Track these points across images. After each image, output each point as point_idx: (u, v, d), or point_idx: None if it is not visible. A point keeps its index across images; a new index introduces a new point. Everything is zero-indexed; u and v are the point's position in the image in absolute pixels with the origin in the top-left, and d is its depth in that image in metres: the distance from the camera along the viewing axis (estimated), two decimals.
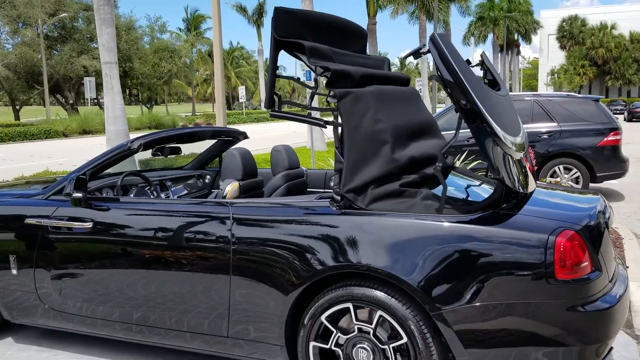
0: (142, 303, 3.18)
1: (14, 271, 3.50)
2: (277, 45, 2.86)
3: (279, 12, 2.85)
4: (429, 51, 2.83)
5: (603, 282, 2.63)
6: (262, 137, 26.41)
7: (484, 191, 3.25)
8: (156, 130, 3.77)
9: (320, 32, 3.06)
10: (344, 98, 2.84)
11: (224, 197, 3.40)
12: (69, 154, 18.92)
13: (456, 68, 2.62)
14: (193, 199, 3.20)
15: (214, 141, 4.68)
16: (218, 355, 3.21)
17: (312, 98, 2.97)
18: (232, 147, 4.13)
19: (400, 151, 2.94)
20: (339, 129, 2.87)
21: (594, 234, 2.71)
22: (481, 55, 3.35)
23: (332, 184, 4.32)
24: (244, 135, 4.73)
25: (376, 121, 2.87)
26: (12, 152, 20.15)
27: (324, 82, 2.93)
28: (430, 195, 2.83)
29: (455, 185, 3.22)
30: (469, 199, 3.19)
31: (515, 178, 2.81)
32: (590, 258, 2.58)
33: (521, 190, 2.83)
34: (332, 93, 2.84)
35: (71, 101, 40.53)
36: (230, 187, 3.39)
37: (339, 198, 2.82)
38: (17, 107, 40.54)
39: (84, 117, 29.77)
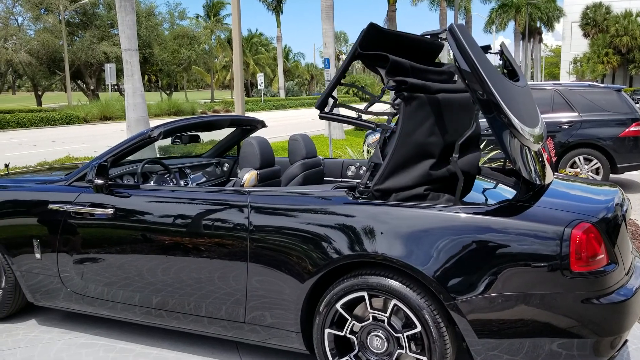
0: (162, 288, 3.25)
1: (38, 255, 3.59)
2: (356, 56, 2.93)
3: (371, 27, 2.93)
4: (446, 38, 2.83)
5: (619, 274, 2.63)
6: (281, 125, 26.47)
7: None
8: (176, 119, 3.81)
9: (402, 49, 3.11)
10: (410, 101, 2.87)
11: (242, 186, 3.44)
12: (90, 140, 19.17)
13: (474, 58, 2.61)
14: (211, 187, 3.25)
15: (232, 129, 4.72)
16: (234, 341, 3.27)
17: (371, 104, 3.02)
18: (250, 136, 4.16)
19: (439, 167, 3.01)
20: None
21: (610, 227, 2.70)
22: (500, 45, 3.34)
23: (349, 172, 4.34)
24: (262, 124, 4.76)
25: (430, 134, 2.93)
26: (34, 138, 20.47)
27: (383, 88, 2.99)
28: (451, 200, 2.87)
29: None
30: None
31: (532, 169, 2.81)
32: (606, 251, 2.58)
33: (538, 182, 2.83)
34: (401, 93, 2.87)
35: (92, 87, 40.92)
36: (248, 176, 3.44)
37: (362, 189, 2.86)
38: (39, 93, 41.04)
39: (104, 103, 30.07)
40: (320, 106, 2.99)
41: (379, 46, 2.95)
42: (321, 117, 2.98)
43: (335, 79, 2.99)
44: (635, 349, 3.42)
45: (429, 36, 2.84)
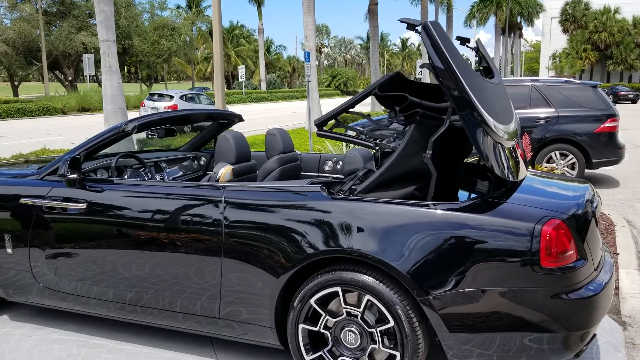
0: (136, 283, 3.23)
1: (9, 250, 3.54)
2: (372, 94, 3.05)
3: (396, 75, 3.13)
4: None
5: (588, 270, 2.67)
6: (261, 117, 26.40)
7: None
8: (151, 112, 3.77)
9: (419, 94, 3.18)
10: (421, 126, 2.94)
11: (217, 181, 3.42)
12: (68, 132, 18.90)
13: (447, 56, 2.63)
14: (186, 182, 3.23)
15: (209, 123, 4.69)
16: (209, 336, 3.26)
17: (373, 131, 3.09)
18: (226, 130, 4.15)
19: (424, 190, 3.04)
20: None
21: (580, 223, 2.74)
22: (476, 42, 3.36)
23: (326, 167, 4.34)
24: (239, 118, 4.74)
25: (430, 159, 2.90)
26: (10, 129, 20.12)
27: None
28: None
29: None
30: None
31: (505, 166, 2.84)
32: (575, 247, 2.62)
33: (510, 179, 2.86)
34: (415, 117, 2.95)
35: (70, 78, 40.27)
36: (223, 171, 3.42)
37: (346, 189, 2.90)
38: (16, 84, 40.31)
39: (82, 95, 29.64)
40: (320, 124, 3.07)
41: (398, 89, 3.09)
42: (319, 135, 3.04)
43: (345, 107, 3.07)
44: (604, 342, 3.48)
45: (406, 23, 2.84)
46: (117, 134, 3.47)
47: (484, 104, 2.66)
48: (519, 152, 3.29)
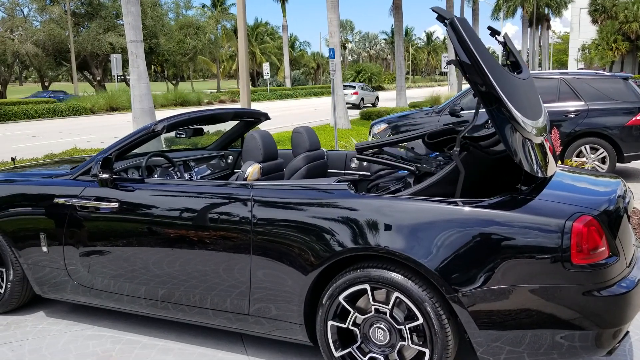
0: (167, 280, 3.29)
1: (44, 248, 3.63)
2: (421, 139, 3.29)
3: (450, 129, 3.35)
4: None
5: (620, 267, 2.63)
6: (286, 115, 26.45)
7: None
8: (180, 112, 3.83)
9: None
10: (470, 152, 3.16)
11: (245, 179, 3.46)
12: (97, 131, 19.24)
13: (474, 50, 2.61)
14: (215, 181, 3.27)
15: (236, 122, 4.74)
16: (239, 332, 3.30)
17: (412, 162, 3.30)
18: (253, 129, 4.19)
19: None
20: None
21: (612, 219, 2.71)
22: (504, 37, 3.33)
23: (352, 164, 4.35)
24: (266, 117, 4.77)
25: (457, 156, 3.09)
26: (41, 129, 20.57)
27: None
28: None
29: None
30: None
31: (534, 162, 2.81)
32: (607, 243, 2.58)
33: (540, 175, 2.83)
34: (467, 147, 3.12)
35: (98, 78, 40.98)
36: (251, 169, 3.45)
37: (389, 191, 2.99)
38: (46, 84, 41.16)
39: (111, 94, 30.12)
40: (361, 150, 3.28)
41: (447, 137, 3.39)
42: (359, 159, 3.12)
43: (389, 141, 3.30)
44: (638, 339, 3.43)
45: (436, 13, 2.83)
46: (147, 134, 3.53)
47: (511, 99, 2.64)
48: (548, 146, 3.25)
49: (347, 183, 2.96)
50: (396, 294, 2.73)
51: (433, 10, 2.81)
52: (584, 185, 3.24)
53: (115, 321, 3.85)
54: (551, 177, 3.13)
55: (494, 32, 3.38)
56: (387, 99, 36.97)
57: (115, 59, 27.96)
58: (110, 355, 3.37)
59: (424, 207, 2.73)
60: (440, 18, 2.74)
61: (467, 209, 2.66)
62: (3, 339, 3.61)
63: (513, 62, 3.32)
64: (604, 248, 2.56)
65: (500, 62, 2.97)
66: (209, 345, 3.47)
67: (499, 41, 3.36)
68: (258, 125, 4.88)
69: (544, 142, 3.17)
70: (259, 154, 3.66)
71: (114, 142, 3.60)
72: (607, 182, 3.22)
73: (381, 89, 62.60)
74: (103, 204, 3.42)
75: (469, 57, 2.63)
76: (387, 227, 2.74)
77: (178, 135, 3.93)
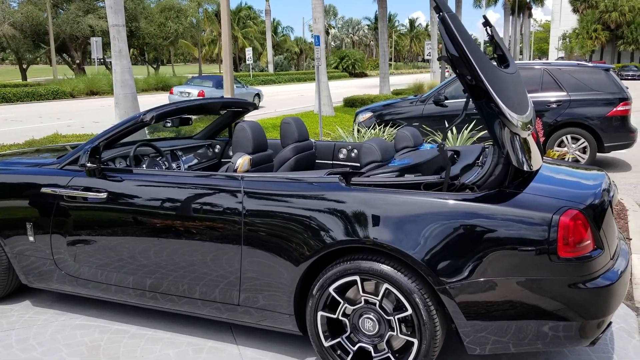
0: (155, 270, 3.29)
1: (31, 238, 3.60)
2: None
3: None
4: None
5: (605, 259, 2.70)
6: (270, 101, 26.34)
7: None
8: (168, 102, 3.81)
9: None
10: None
11: (235, 171, 3.46)
12: (77, 116, 18.97)
13: (463, 44, 2.63)
14: (205, 172, 3.27)
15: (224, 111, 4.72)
16: (227, 322, 3.33)
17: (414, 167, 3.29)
18: (243, 120, 4.18)
19: None
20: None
21: (597, 212, 2.77)
22: (491, 30, 3.35)
23: (341, 155, 4.36)
24: (254, 106, 4.76)
25: (443, 149, 3.04)
26: (20, 113, 20.21)
27: None
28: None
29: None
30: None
31: (522, 156, 2.85)
32: (592, 236, 2.65)
33: (526, 168, 2.88)
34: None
35: (78, 61, 40.26)
36: (241, 161, 3.45)
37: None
38: (24, 67, 40.35)
39: (91, 78, 29.66)
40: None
41: None
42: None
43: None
44: (618, 328, 3.52)
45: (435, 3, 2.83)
46: (135, 124, 3.51)
47: (500, 94, 2.67)
48: (534, 139, 3.30)
49: (338, 176, 2.98)
50: (385, 285, 2.77)
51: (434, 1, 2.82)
52: (570, 179, 3.30)
53: (103, 310, 3.84)
54: (538, 170, 3.18)
55: (486, 23, 3.39)
56: (370, 86, 36.97)
57: (96, 42, 27.56)
58: (98, 345, 3.37)
59: (410, 200, 2.76)
60: (437, 9, 2.75)
61: (454, 201, 2.70)
62: None
63: (500, 56, 3.35)
64: (589, 241, 2.62)
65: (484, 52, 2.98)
66: (198, 334, 3.49)
67: (488, 33, 3.38)
68: (244, 115, 4.86)
69: (531, 135, 3.21)
70: (249, 146, 3.66)
71: (101, 132, 3.57)
72: (592, 176, 3.28)
73: (364, 75, 62.57)
74: (91, 194, 3.40)
75: (457, 50, 2.65)
76: (376, 220, 2.77)
77: (166, 125, 3.90)
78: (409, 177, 3.28)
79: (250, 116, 15.86)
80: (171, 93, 22.71)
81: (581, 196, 2.79)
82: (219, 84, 22.21)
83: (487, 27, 3.34)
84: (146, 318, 3.72)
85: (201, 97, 4.16)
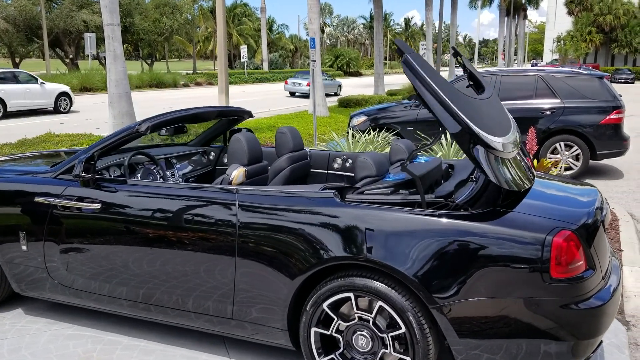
0: (147, 280, 3.28)
1: (24, 247, 3.59)
2: None
3: None
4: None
5: (597, 279, 2.72)
6: (264, 99, 26.30)
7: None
8: (163, 112, 3.80)
9: None
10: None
11: (230, 183, 3.46)
12: (71, 112, 18.86)
13: (429, 80, 2.68)
14: (199, 185, 3.26)
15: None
16: (220, 335, 3.33)
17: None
18: (239, 132, 4.18)
19: None
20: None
21: (590, 232, 2.78)
22: (462, 59, 3.41)
23: (335, 165, 4.37)
24: (249, 114, 4.75)
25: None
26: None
27: None
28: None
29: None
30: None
31: (510, 178, 2.82)
32: (585, 257, 2.66)
33: (515, 189, 2.85)
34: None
35: (71, 56, 40.02)
36: (236, 173, 3.45)
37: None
38: (17, 61, 40.07)
39: (84, 74, 29.48)
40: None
41: None
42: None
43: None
44: (608, 343, 3.55)
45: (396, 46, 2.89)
46: (130, 134, 3.50)
47: (475, 121, 2.68)
48: (524, 158, 3.31)
49: (333, 191, 2.98)
50: (379, 302, 2.78)
51: (394, 43, 2.88)
52: (563, 195, 3.31)
53: (95, 320, 3.83)
54: (530, 186, 3.20)
55: (456, 54, 3.48)
56: (365, 85, 36.98)
57: (89, 38, 27.33)
58: (91, 356, 3.36)
59: (403, 217, 2.77)
60: (399, 51, 2.82)
61: (447, 220, 2.71)
62: None
63: (475, 83, 3.40)
64: (581, 262, 2.64)
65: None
66: (192, 346, 3.49)
67: (459, 62, 3.42)
68: (239, 123, 4.85)
69: (518, 154, 3.22)
70: (244, 157, 3.66)
71: (96, 142, 3.56)
72: (585, 192, 3.30)
73: (359, 74, 62.55)
74: (85, 205, 3.39)
75: (425, 87, 2.69)
76: (369, 236, 2.78)
77: (161, 134, 3.89)
78: (403, 193, 3.29)
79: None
80: (286, 83, 29.82)
81: (574, 215, 2.81)
82: (330, 77, 30.47)
83: (458, 57, 3.41)
84: (138, 329, 3.71)
85: (196, 107, 4.16)
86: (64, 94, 19.19)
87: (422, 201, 2.88)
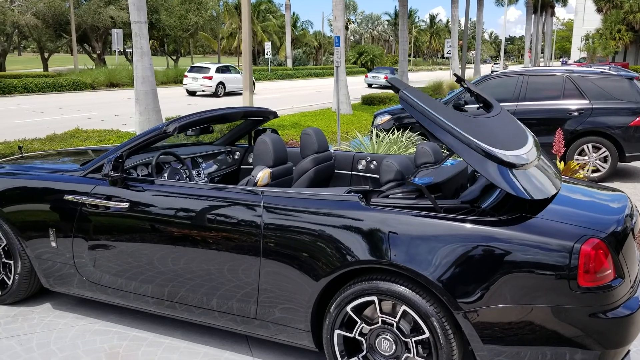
0: (173, 278, 3.33)
1: (53, 243, 3.66)
2: None
3: None
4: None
5: (625, 288, 2.68)
6: (287, 96, 26.36)
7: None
8: (190, 113, 3.85)
9: None
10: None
11: (256, 184, 3.48)
12: (97, 108, 19.17)
13: (428, 109, 2.78)
14: (225, 186, 3.30)
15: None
16: (242, 334, 3.35)
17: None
18: (264, 133, 4.20)
19: None
20: None
21: (619, 240, 2.74)
22: (466, 83, 3.49)
23: (360, 166, 4.37)
24: (274, 115, 4.78)
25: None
26: (41, 104, 20.47)
27: None
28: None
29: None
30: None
31: (531, 188, 2.78)
32: (613, 265, 2.62)
33: (540, 198, 2.80)
34: None
35: (98, 51, 40.60)
36: (261, 174, 3.48)
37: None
38: (46, 57, 40.77)
39: (111, 70, 29.93)
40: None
41: None
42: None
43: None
44: (635, 351, 3.49)
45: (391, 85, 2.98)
46: (158, 135, 3.54)
47: (482, 138, 2.74)
48: (548, 165, 3.28)
49: (358, 194, 2.98)
50: (403, 307, 2.78)
51: (388, 82, 2.94)
52: (591, 202, 3.26)
53: (121, 316, 3.90)
54: (557, 191, 3.16)
55: (459, 80, 3.61)
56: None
57: (117, 34, 27.75)
58: (117, 352, 3.42)
59: (428, 222, 2.76)
60: (395, 89, 2.90)
61: (471, 225, 2.69)
62: (11, 331, 3.66)
63: (484, 103, 3.43)
64: (610, 270, 2.60)
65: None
66: (215, 344, 3.53)
67: (463, 87, 3.51)
68: (264, 123, 4.88)
69: (542, 161, 3.19)
70: (269, 159, 3.68)
71: (125, 142, 3.61)
72: (615, 198, 3.25)
73: None
74: (113, 204, 3.45)
75: (426, 117, 2.76)
76: (393, 240, 2.77)
77: (187, 134, 3.94)
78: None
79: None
80: (366, 77, 38.75)
81: (603, 223, 2.76)
82: (392, 71, 36.78)
83: (461, 82, 3.50)
84: (164, 326, 3.77)
85: (223, 107, 4.21)
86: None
87: (435, 207, 2.88)
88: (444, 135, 2.75)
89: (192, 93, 26.76)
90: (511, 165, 2.71)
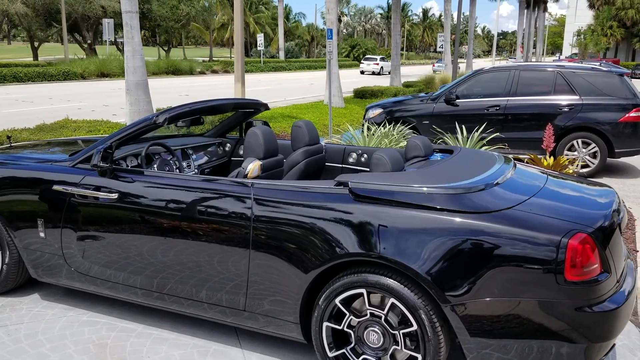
0: (161, 270, 3.32)
1: (42, 233, 3.65)
2: None
3: None
4: None
5: (611, 282, 2.71)
6: (280, 89, 26.29)
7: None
8: (181, 104, 3.83)
9: None
10: None
11: (246, 176, 3.48)
12: (87, 98, 19.03)
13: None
14: (215, 177, 3.29)
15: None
16: (231, 326, 3.36)
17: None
18: (255, 126, 4.19)
19: None
20: None
21: (606, 235, 2.76)
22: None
23: (350, 159, 4.37)
24: (265, 107, 4.76)
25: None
26: (31, 93, 20.30)
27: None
28: None
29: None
30: None
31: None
32: (600, 260, 2.65)
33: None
34: None
35: (89, 41, 40.28)
36: (252, 166, 3.47)
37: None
38: (36, 46, 40.39)
39: (101, 60, 29.70)
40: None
41: None
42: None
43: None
44: (620, 345, 3.53)
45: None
46: (148, 126, 3.53)
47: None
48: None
49: (347, 187, 2.99)
50: (392, 299, 2.79)
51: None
52: (579, 197, 3.28)
53: (110, 307, 3.89)
54: (544, 185, 3.18)
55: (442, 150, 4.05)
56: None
57: (107, 24, 27.53)
58: (105, 343, 3.42)
59: (417, 215, 2.77)
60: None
61: (462, 220, 2.71)
62: None
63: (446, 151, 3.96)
64: (596, 265, 2.62)
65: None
66: (203, 336, 3.53)
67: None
68: (256, 115, 4.87)
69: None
70: (260, 151, 3.67)
71: (114, 132, 3.59)
72: (601, 193, 3.27)
73: None
74: (102, 194, 3.43)
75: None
76: (382, 233, 2.78)
77: (178, 126, 3.92)
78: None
79: None
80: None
81: (591, 218, 2.79)
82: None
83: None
84: (152, 317, 3.76)
85: (214, 99, 4.20)
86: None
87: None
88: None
89: (363, 73, 45.62)
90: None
